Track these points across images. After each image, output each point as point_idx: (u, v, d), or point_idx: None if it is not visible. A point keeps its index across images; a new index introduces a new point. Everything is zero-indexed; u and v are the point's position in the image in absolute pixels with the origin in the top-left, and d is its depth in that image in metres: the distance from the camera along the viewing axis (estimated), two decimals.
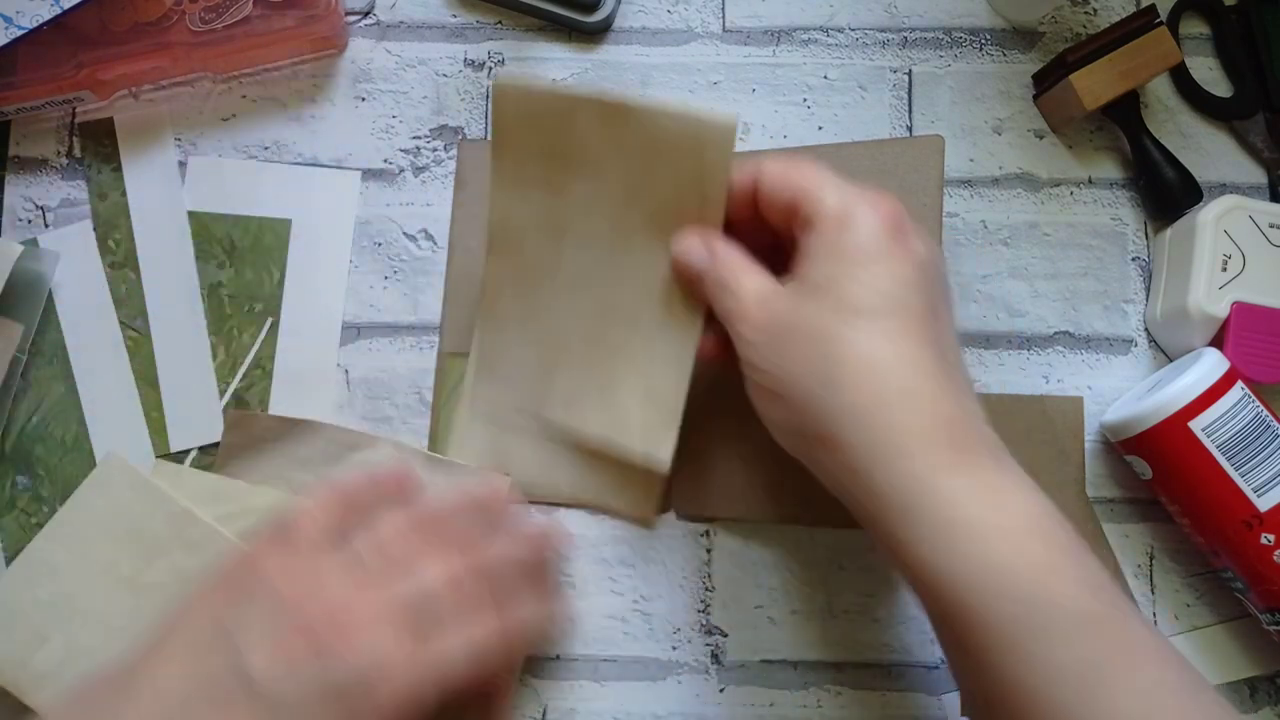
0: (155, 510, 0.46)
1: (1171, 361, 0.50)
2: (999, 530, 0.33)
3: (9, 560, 0.48)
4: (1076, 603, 0.32)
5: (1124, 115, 0.51)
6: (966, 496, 0.33)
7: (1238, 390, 0.44)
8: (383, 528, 0.39)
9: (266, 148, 0.52)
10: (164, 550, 0.46)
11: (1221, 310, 0.47)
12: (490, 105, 0.47)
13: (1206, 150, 0.53)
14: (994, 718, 0.34)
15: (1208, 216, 0.48)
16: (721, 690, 0.48)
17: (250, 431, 0.48)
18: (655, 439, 0.45)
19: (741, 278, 0.39)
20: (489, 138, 0.48)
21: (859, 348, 0.35)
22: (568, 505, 0.49)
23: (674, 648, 0.48)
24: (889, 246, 0.36)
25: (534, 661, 0.48)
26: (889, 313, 0.35)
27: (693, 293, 0.42)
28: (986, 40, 0.54)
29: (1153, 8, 0.50)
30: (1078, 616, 0.32)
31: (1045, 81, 0.52)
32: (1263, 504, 0.43)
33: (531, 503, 0.49)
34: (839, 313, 0.35)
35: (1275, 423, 0.44)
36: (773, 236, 0.40)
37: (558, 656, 0.48)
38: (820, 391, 0.35)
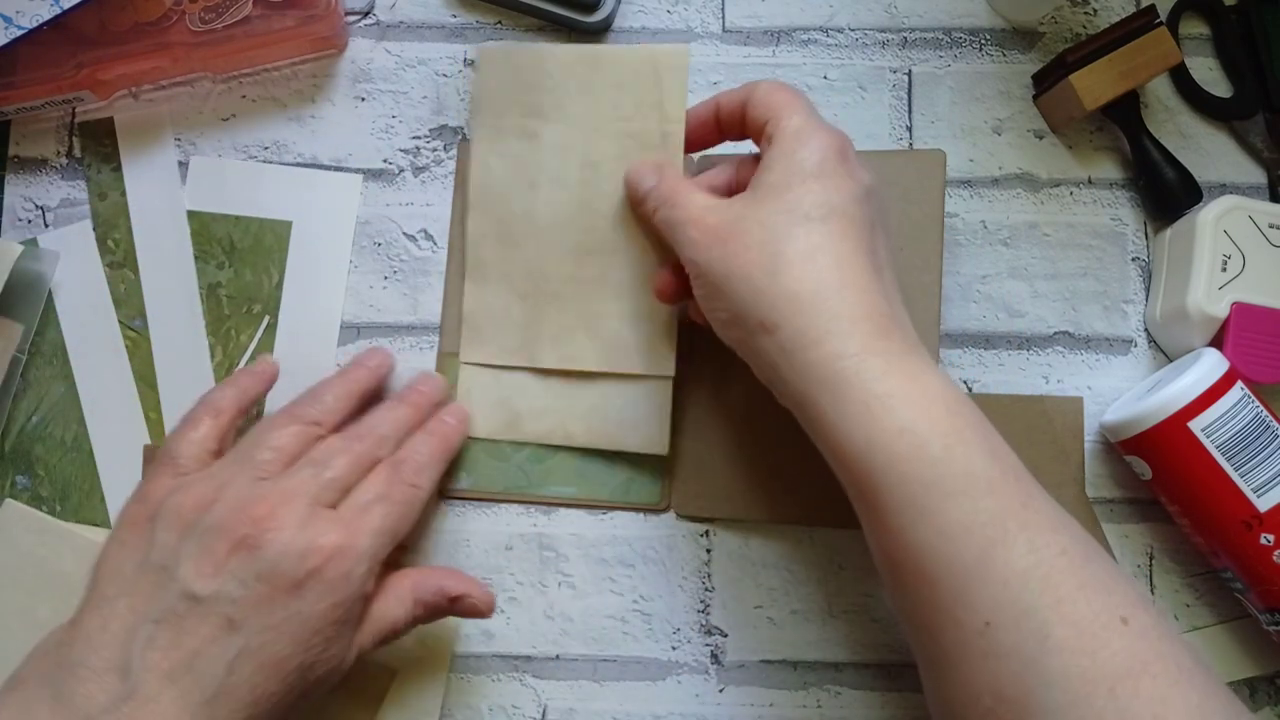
0: (61, 548, 0.46)
1: (1171, 362, 0.50)
2: (912, 401, 0.36)
3: None
4: (978, 466, 0.35)
5: (1124, 115, 0.51)
6: (885, 373, 0.36)
7: (1237, 390, 0.44)
8: (261, 426, 0.43)
9: (266, 148, 0.52)
10: (78, 586, 0.45)
11: (1221, 310, 0.47)
12: (475, 71, 0.49)
13: (1206, 150, 0.53)
14: (900, 580, 0.37)
15: (1207, 217, 0.47)
16: (721, 690, 0.48)
17: None
18: (655, 356, 0.48)
19: (687, 193, 0.42)
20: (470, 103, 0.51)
21: (804, 243, 0.38)
22: (574, 504, 0.49)
23: (674, 648, 0.48)
24: (838, 168, 0.40)
25: (532, 661, 0.48)
26: (833, 219, 0.39)
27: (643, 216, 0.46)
28: (986, 40, 0.54)
29: (1153, 8, 0.50)
30: (979, 478, 0.35)
31: (1045, 81, 0.52)
32: (1262, 504, 0.43)
33: (531, 502, 0.49)
34: (789, 214, 0.39)
35: (1275, 423, 0.44)
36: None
37: (558, 656, 0.48)
38: (764, 281, 0.38)
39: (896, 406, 0.36)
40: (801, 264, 0.38)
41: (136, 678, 0.36)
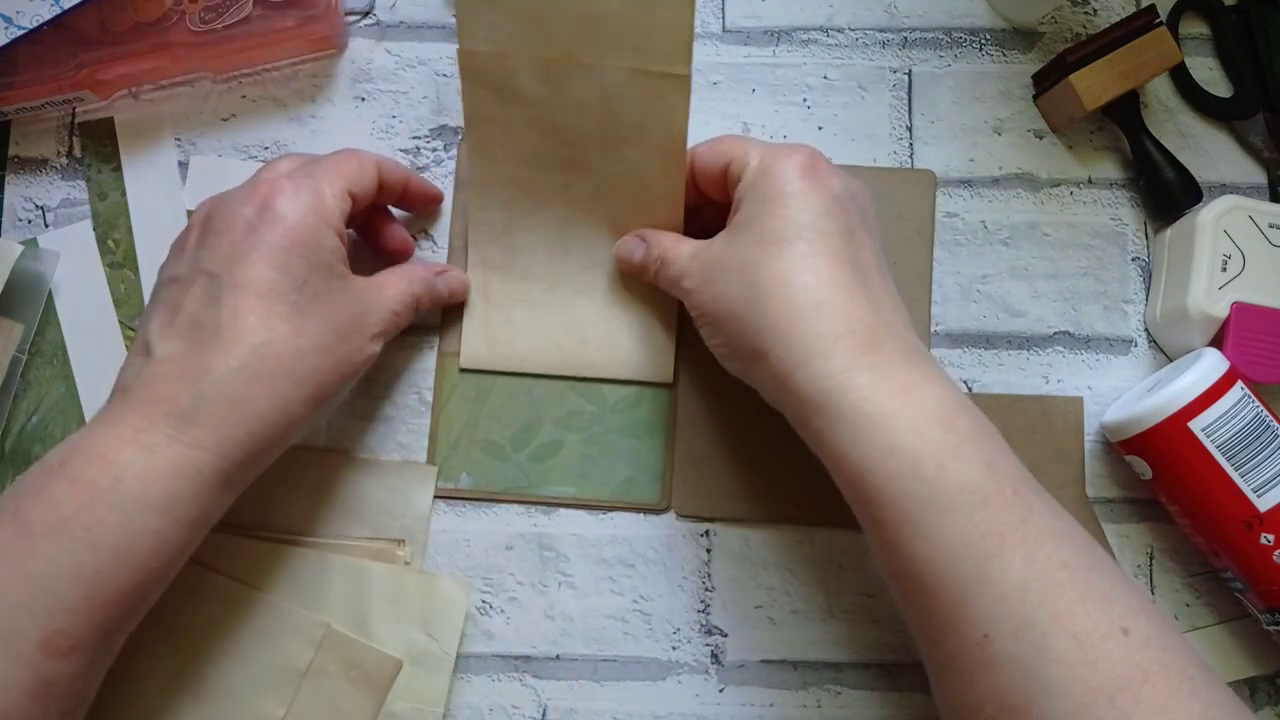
0: None
1: (1171, 361, 0.50)
2: (904, 418, 0.36)
3: None
4: (973, 481, 0.35)
5: (1124, 115, 0.51)
6: (875, 390, 0.36)
7: (1237, 390, 0.44)
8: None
9: (266, 148, 0.52)
10: None
11: (1221, 310, 0.47)
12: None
13: (1206, 150, 0.53)
14: (902, 591, 0.37)
15: (1207, 217, 0.48)
16: (721, 690, 0.48)
17: None
18: (654, 365, 0.49)
19: (675, 248, 0.44)
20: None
21: (776, 269, 0.39)
22: (574, 504, 0.49)
23: (674, 648, 0.48)
24: (804, 184, 0.40)
25: (532, 661, 0.48)
26: (804, 238, 0.39)
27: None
28: (986, 40, 0.54)
29: (1153, 8, 0.50)
30: (974, 493, 0.35)
31: (1045, 81, 0.52)
32: (1262, 504, 0.43)
33: (531, 502, 0.49)
34: (761, 244, 0.39)
35: (1275, 423, 0.44)
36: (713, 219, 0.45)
37: (558, 656, 0.48)
38: (746, 312, 0.39)
39: (888, 423, 0.36)
40: (777, 289, 0.38)
41: (150, 345, 0.40)
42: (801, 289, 0.38)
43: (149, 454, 0.37)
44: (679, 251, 0.44)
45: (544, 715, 0.47)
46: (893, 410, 0.36)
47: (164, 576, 0.38)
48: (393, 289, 0.44)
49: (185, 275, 0.40)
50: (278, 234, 0.40)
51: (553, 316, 0.49)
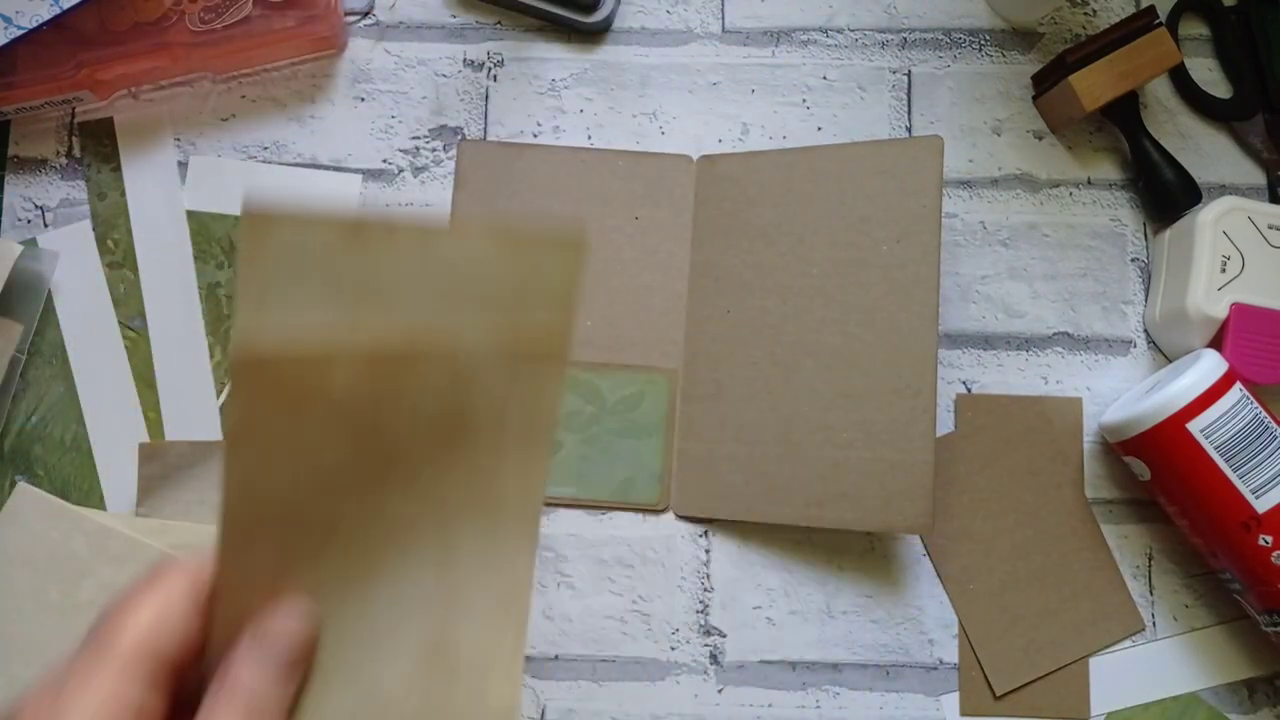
0: (73, 531, 0.46)
1: (1170, 362, 0.50)
2: None
3: None
4: None
5: (1123, 116, 0.51)
6: None
7: (1236, 391, 0.44)
8: None
9: (266, 148, 0.52)
10: (88, 569, 0.46)
11: (1220, 311, 0.47)
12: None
13: (1206, 151, 0.53)
14: None
15: (1207, 218, 0.47)
16: (720, 691, 0.48)
17: (165, 460, 0.48)
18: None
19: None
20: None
21: None
22: (573, 504, 0.49)
23: (672, 648, 0.48)
24: None
25: (532, 662, 0.48)
26: None
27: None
28: (986, 41, 0.54)
29: (1152, 8, 0.50)
30: None
31: (1045, 82, 0.52)
32: (1261, 505, 0.43)
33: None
34: None
35: (1274, 424, 0.44)
36: None
37: (556, 657, 0.48)
38: None
39: None
40: None
41: None
42: None
43: None
44: None
45: (543, 715, 0.48)
46: None
47: None
48: None
49: None
50: None
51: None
